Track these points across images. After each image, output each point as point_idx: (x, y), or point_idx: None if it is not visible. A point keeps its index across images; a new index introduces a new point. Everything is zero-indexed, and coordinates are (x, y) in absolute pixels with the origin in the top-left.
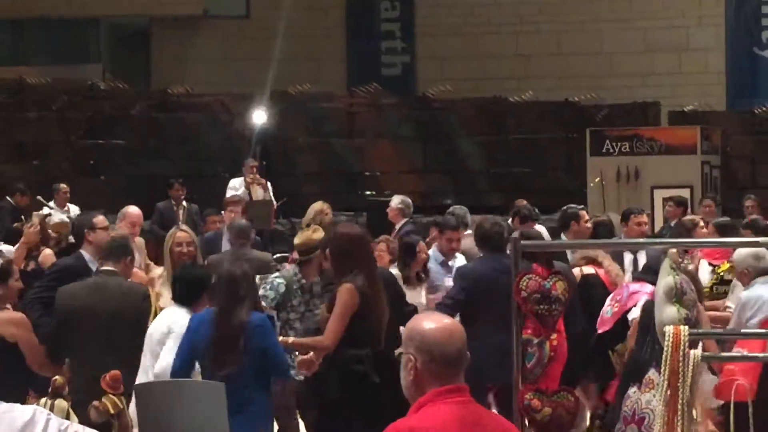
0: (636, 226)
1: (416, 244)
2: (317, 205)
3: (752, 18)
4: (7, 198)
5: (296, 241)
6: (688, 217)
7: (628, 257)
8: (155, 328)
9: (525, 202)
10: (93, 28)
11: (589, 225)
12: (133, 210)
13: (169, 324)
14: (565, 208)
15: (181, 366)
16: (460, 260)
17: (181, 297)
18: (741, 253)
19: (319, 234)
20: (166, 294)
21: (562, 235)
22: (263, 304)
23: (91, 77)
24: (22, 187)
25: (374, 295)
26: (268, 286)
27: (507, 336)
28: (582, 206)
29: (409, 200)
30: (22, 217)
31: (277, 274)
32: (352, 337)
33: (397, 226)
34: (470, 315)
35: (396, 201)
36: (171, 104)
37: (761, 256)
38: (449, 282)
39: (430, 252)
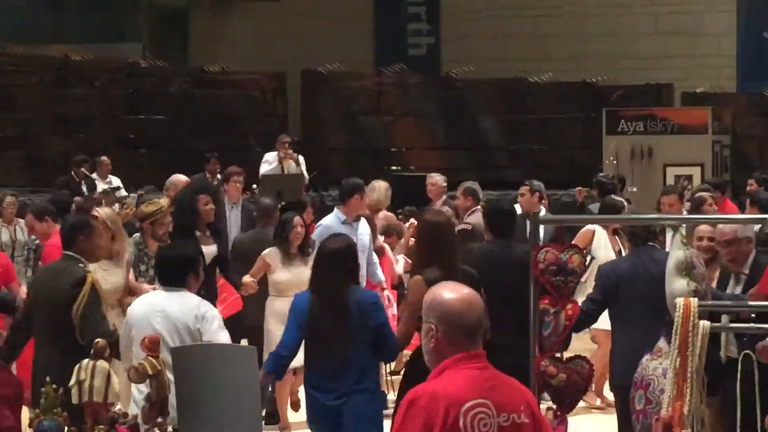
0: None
1: (291, 219)
2: (383, 184)
3: (763, 4)
4: (72, 173)
5: (143, 208)
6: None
7: None
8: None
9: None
10: (133, 8)
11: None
12: (183, 179)
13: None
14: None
15: (292, 344)
16: (363, 223)
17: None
18: None
19: (152, 207)
20: None
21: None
22: None
23: (131, 55)
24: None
25: None
26: None
27: (641, 339)
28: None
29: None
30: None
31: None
32: None
33: (438, 203)
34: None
35: (441, 179)
36: (207, 81)
37: None
38: None
39: (333, 214)
